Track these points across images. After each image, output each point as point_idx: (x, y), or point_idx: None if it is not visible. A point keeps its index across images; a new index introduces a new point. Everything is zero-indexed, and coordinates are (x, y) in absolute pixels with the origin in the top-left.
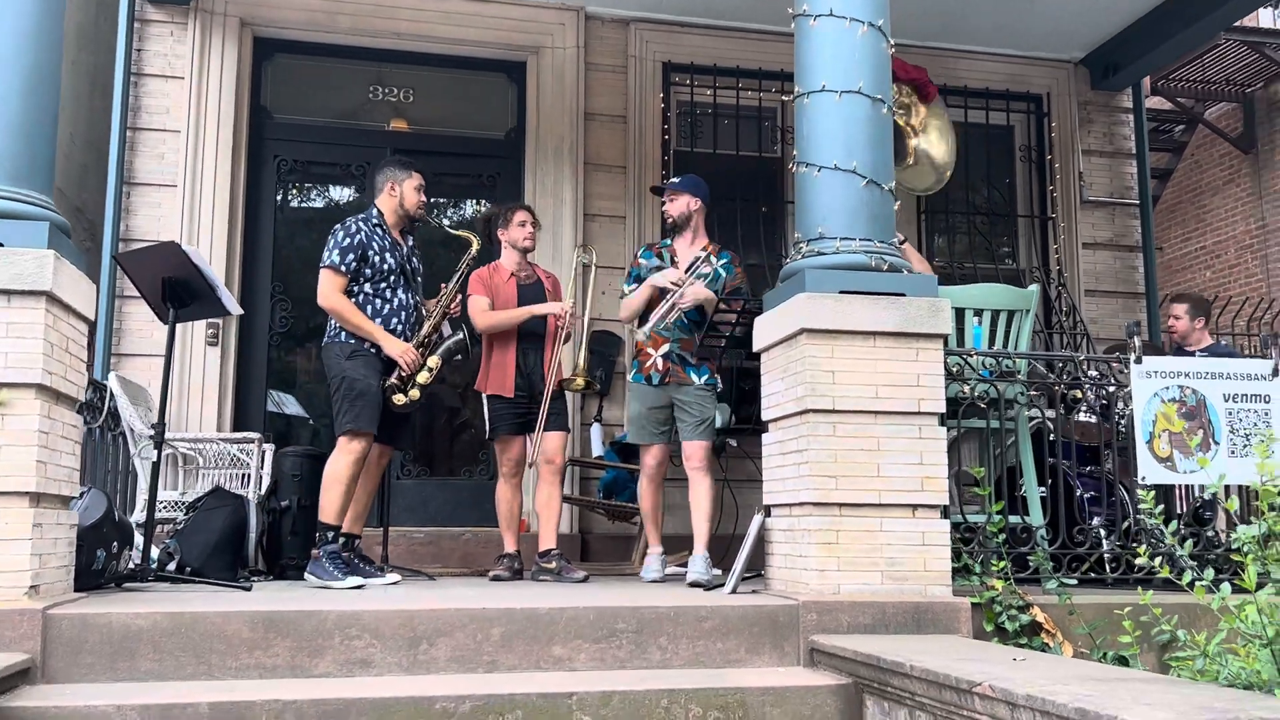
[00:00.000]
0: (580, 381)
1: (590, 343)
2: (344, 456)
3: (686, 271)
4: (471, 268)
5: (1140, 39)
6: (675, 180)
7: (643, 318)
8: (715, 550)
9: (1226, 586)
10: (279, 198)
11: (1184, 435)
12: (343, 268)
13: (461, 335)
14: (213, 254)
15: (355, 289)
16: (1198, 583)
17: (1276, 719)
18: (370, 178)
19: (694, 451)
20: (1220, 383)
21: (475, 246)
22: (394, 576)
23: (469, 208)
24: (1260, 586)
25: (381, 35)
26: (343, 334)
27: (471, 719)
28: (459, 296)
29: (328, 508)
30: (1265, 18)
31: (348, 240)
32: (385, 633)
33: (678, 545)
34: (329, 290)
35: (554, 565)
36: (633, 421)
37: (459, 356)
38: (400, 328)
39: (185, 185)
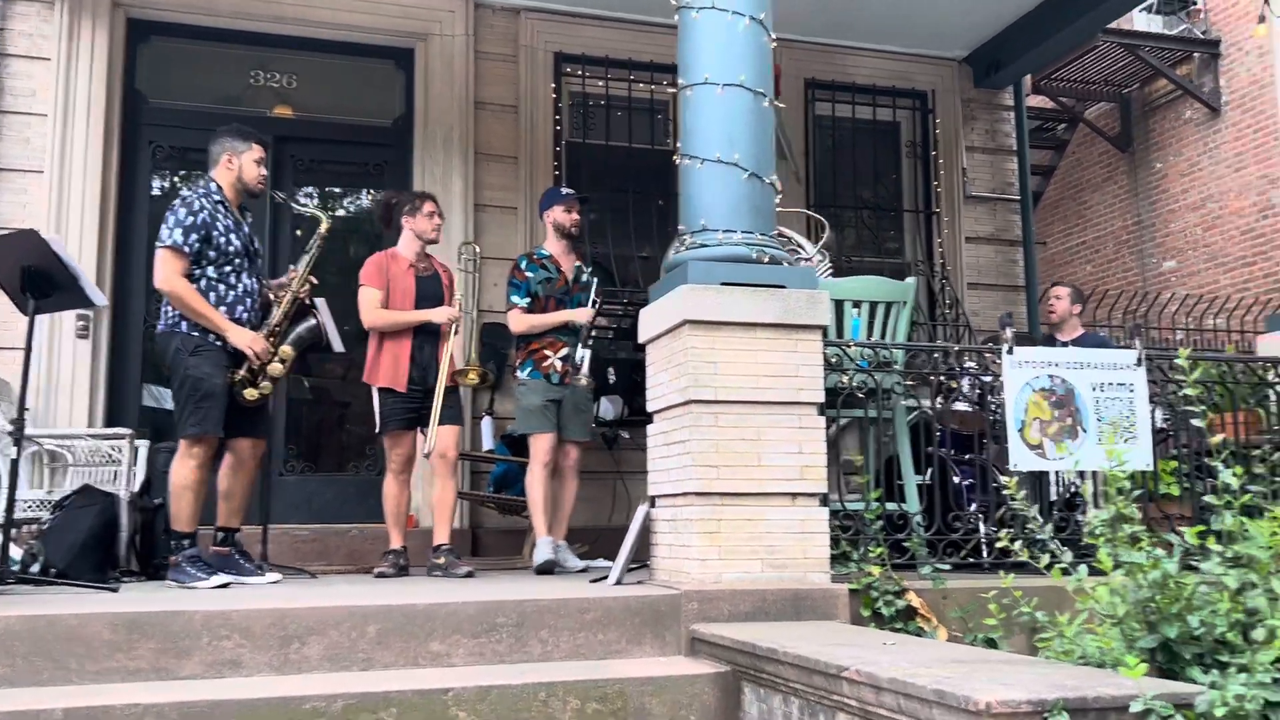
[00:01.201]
0: (474, 375)
1: (482, 335)
2: (187, 462)
3: (574, 283)
4: (323, 249)
5: (1020, 39)
6: (574, 192)
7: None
8: (608, 542)
9: (1084, 569)
10: (155, 185)
11: (1054, 423)
12: (185, 248)
13: (314, 322)
14: (83, 243)
15: (197, 273)
16: (1056, 566)
17: (1119, 694)
18: (207, 148)
19: (574, 452)
20: (1088, 372)
21: (325, 225)
22: (274, 576)
23: (355, 197)
24: (1116, 568)
25: (264, 19)
26: (184, 323)
27: (344, 718)
28: (309, 281)
29: (179, 515)
30: (1140, 21)
31: (190, 218)
32: (256, 632)
33: (582, 537)
34: (169, 273)
35: (443, 561)
36: (530, 413)
37: (321, 346)
38: (246, 315)
39: (53, 171)
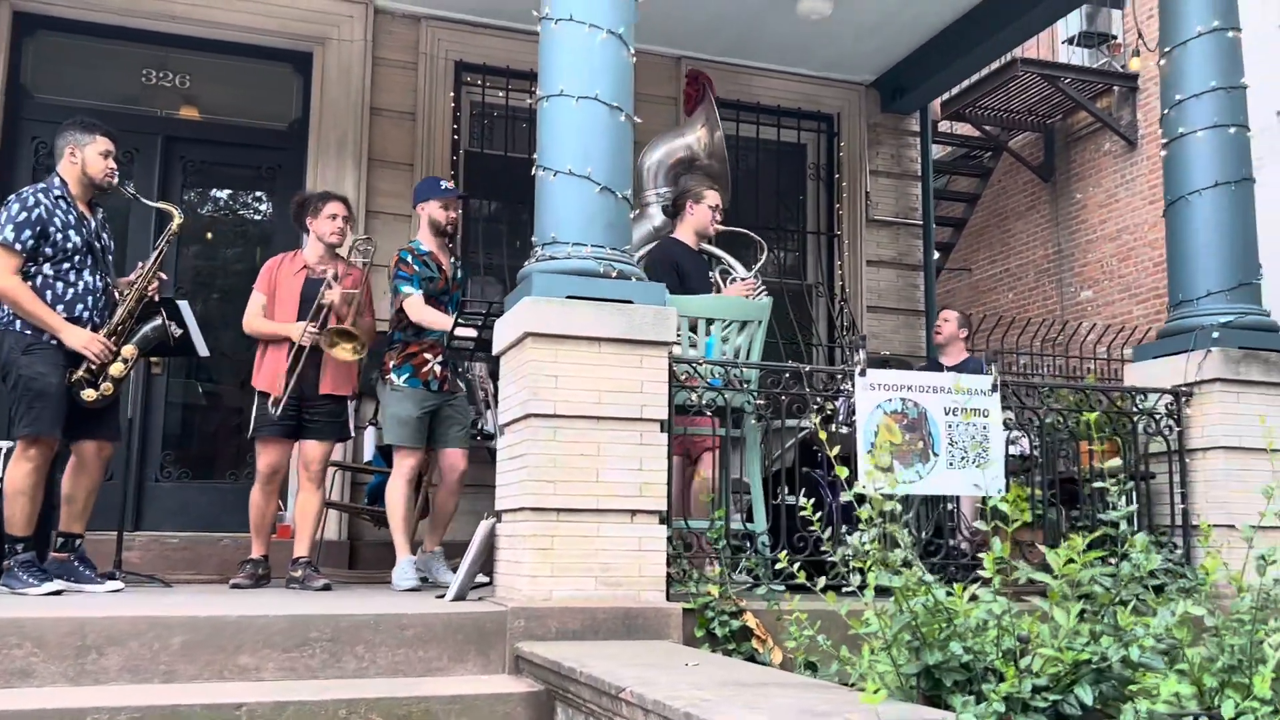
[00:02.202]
0: (348, 348)
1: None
2: (21, 464)
3: (453, 281)
4: (177, 245)
5: (925, 64)
6: (454, 188)
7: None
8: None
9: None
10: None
11: (904, 446)
12: (16, 245)
13: (160, 321)
14: None
15: (33, 269)
16: (829, 589)
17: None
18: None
19: (458, 462)
20: (941, 396)
21: (177, 221)
22: (115, 584)
23: (246, 200)
24: (879, 593)
25: (158, 17)
26: (17, 322)
27: None
28: (158, 278)
29: (14, 520)
30: (1064, 53)
31: (23, 214)
32: (50, 641)
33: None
34: (0, 271)
35: (300, 573)
36: (402, 423)
37: (171, 347)
38: (87, 314)
39: None
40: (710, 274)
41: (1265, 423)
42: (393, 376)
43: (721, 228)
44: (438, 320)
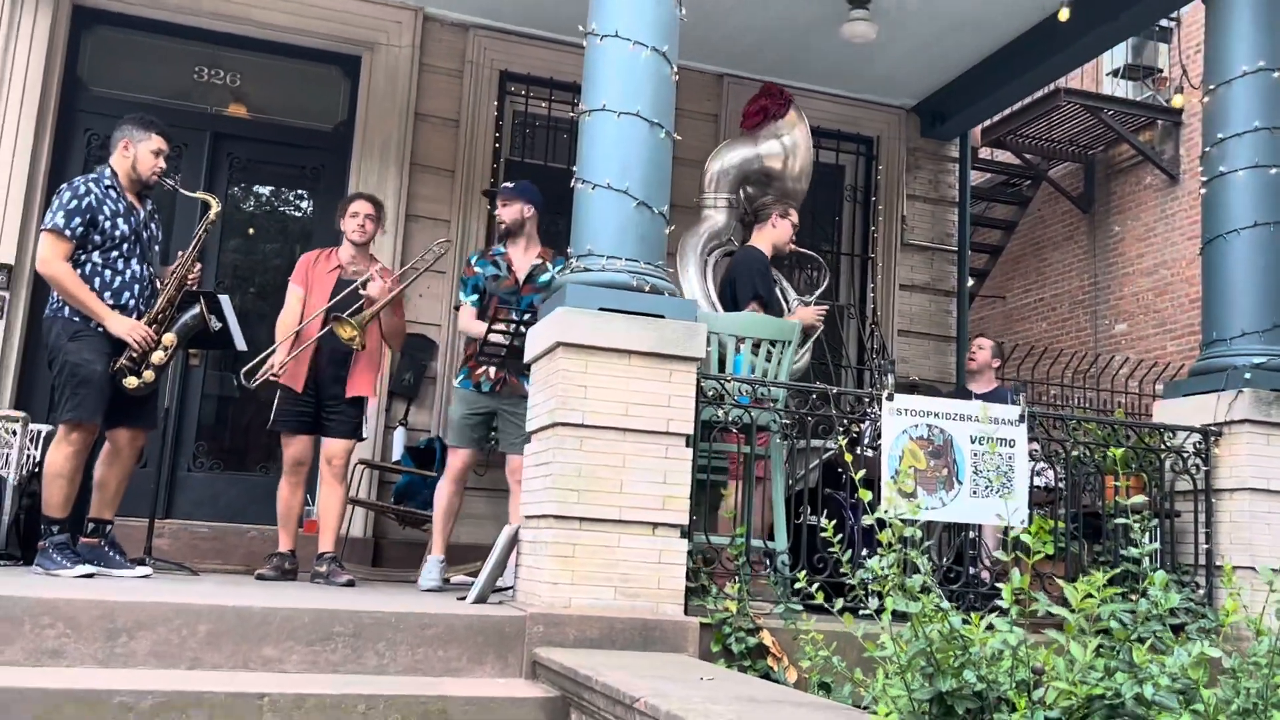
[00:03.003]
0: (349, 330)
1: (404, 346)
2: (63, 448)
3: (525, 281)
4: (215, 236)
5: (967, 91)
6: (509, 185)
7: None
8: None
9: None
10: (87, 172)
11: (929, 473)
12: (67, 232)
13: (199, 309)
14: (5, 224)
15: (83, 257)
16: (846, 611)
17: None
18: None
19: (518, 464)
20: (968, 424)
21: (214, 209)
22: (145, 570)
23: (289, 198)
24: (896, 617)
25: (212, 16)
26: (66, 308)
27: (151, 715)
28: (198, 266)
29: (50, 501)
30: (1108, 85)
31: (75, 202)
32: (82, 623)
33: (471, 555)
34: (50, 256)
35: (324, 569)
36: (450, 423)
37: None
38: (133, 302)
39: None
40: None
41: None
42: (455, 378)
43: (793, 247)
44: (476, 329)
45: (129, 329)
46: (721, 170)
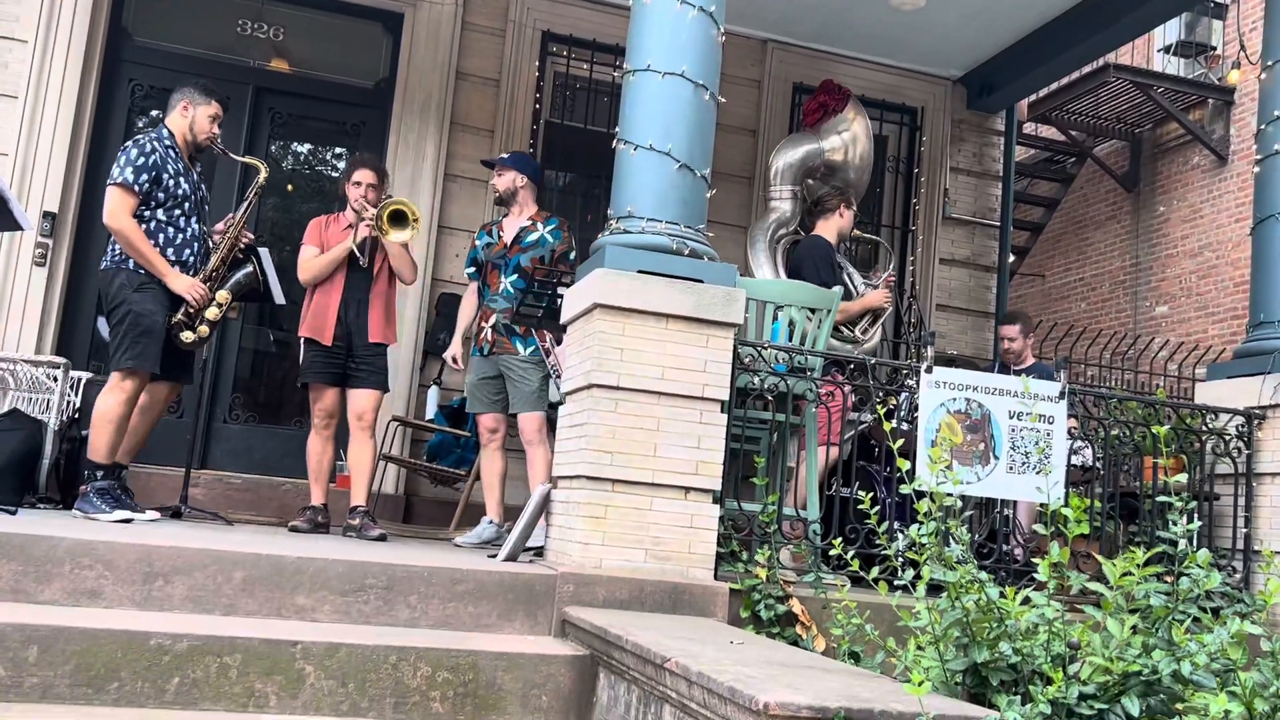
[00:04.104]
0: (389, 229)
1: (437, 305)
2: (116, 394)
3: (513, 243)
4: (262, 197)
5: (1015, 63)
6: (504, 155)
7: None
8: None
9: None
10: (130, 122)
11: (965, 447)
12: (135, 187)
13: (251, 268)
14: (50, 173)
15: (147, 214)
16: (881, 581)
17: (905, 710)
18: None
19: (523, 424)
20: (1007, 399)
21: (263, 174)
22: (153, 514)
23: (328, 155)
24: (932, 589)
25: None
26: (130, 261)
27: (187, 658)
28: (247, 227)
29: (97, 446)
30: (1159, 61)
31: (142, 159)
32: (120, 565)
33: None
34: (118, 210)
35: (357, 522)
36: (467, 390)
37: (260, 294)
38: (193, 259)
39: (27, 98)
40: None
41: None
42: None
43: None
44: (463, 317)
45: (188, 286)
46: (786, 165)
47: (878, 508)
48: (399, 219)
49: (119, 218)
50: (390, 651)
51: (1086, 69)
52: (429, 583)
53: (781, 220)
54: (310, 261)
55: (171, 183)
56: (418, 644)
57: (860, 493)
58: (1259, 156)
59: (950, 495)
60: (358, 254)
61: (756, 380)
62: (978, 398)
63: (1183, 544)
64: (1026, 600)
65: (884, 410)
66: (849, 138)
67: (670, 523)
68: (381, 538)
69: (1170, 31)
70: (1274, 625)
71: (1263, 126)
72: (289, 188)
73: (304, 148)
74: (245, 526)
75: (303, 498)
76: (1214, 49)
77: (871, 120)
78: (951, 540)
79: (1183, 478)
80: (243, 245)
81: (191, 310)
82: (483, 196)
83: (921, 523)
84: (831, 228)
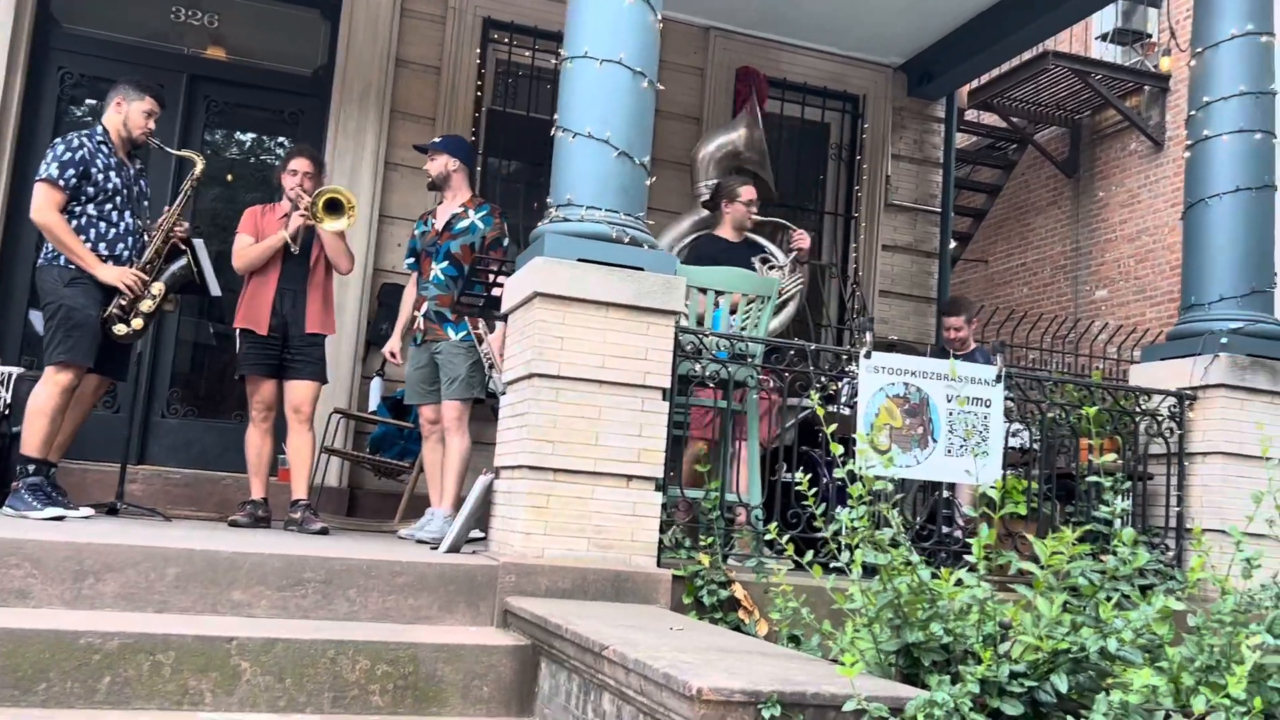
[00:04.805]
0: (324, 218)
1: (380, 295)
2: (50, 388)
3: (444, 229)
4: (199, 188)
5: (955, 50)
6: (435, 140)
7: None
8: None
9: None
10: (61, 111)
11: (904, 430)
12: (60, 182)
13: (186, 260)
14: None
15: (77, 209)
16: (816, 564)
17: (838, 692)
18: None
19: (444, 411)
20: (945, 383)
21: (200, 167)
22: (86, 510)
23: (267, 144)
24: (866, 571)
25: None
26: (61, 257)
27: (119, 656)
28: (183, 220)
29: (30, 440)
30: (1097, 49)
31: (68, 154)
32: (49, 564)
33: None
34: (44, 205)
35: (298, 516)
36: (406, 381)
37: (196, 286)
38: (127, 253)
39: None
40: (753, 260)
41: (1264, 430)
42: None
43: (759, 218)
44: (404, 312)
45: (118, 275)
46: (704, 158)
47: (815, 491)
48: (334, 207)
49: (45, 213)
50: (328, 645)
51: (1026, 56)
52: (368, 576)
53: (701, 220)
54: (245, 250)
55: (101, 177)
56: (357, 637)
57: (798, 476)
58: (1190, 142)
59: (881, 478)
60: (291, 244)
61: (698, 367)
62: (916, 382)
63: (1117, 523)
64: (959, 582)
65: (824, 395)
66: (745, 120)
67: (613, 511)
68: (323, 531)
69: (1107, 19)
70: (1204, 601)
71: (1193, 113)
72: (229, 178)
73: (241, 137)
74: (184, 522)
75: (244, 492)
76: (1150, 36)
77: (814, 108)
78: (884, 523)
79: (1113, 458)
80: (178, 237)
81: (125, 303)
82: (424, 184)
83: (852, 507)
84: (726, 223)
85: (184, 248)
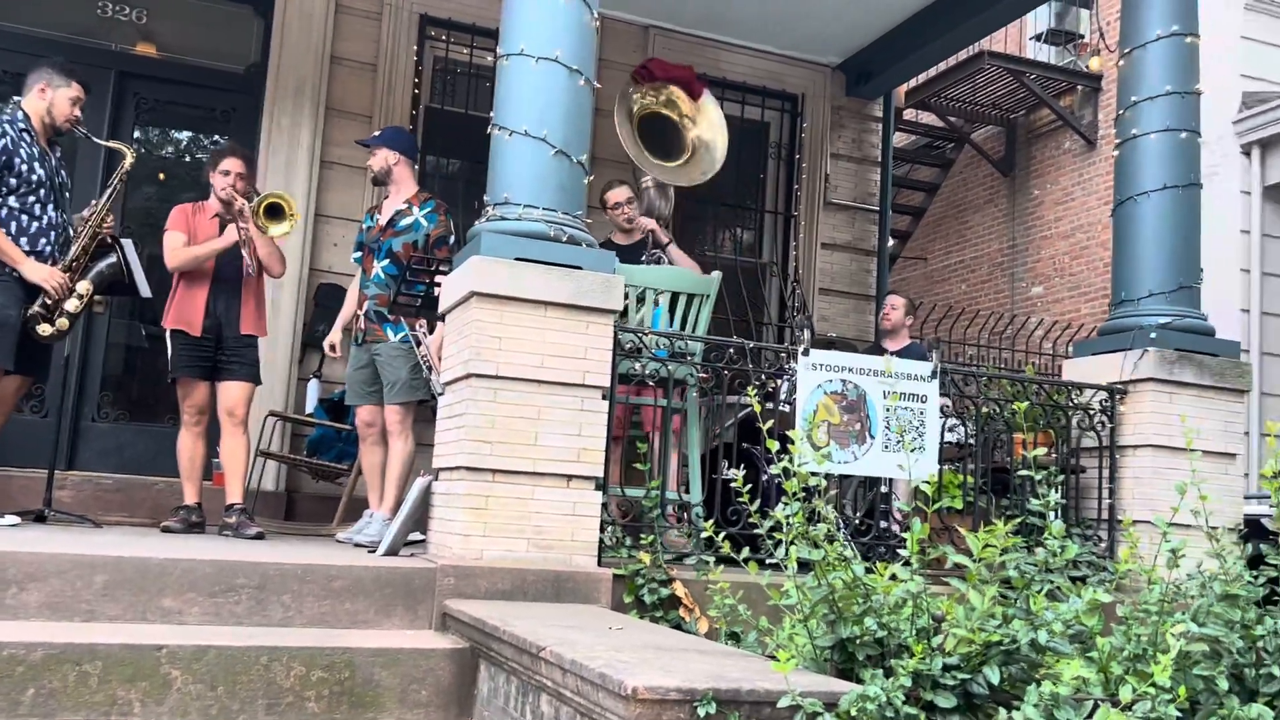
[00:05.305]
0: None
1: (316, 295)
2: None
3: (387, 226)
4: (127, 184)
5: (892, 49)
6: (375, 134)
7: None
8: None
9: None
10: None
11: (842, 427)
12: None
13: (115, 258)
14: None
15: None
16: (752, 561)
17: (773, 689)
18: (25, 76)
19: (387, 415)
20: (882, 380)
21: (129, 160)
22: (12, 519)
23: (200, 142)
24: (802, 568)
25: None
26: None
27: (44, 667)
28: (111, 216)
29: None
30: (1031, 49)
31: None
32: None
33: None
34: None
35: (233, 520)
36: (345, 381)
37: (125, 286)
38: (50, 249)
39: None
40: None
41: (1186, 422)
42: None
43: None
44: (348, 306)
45: (45, 275)
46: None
47: (749, 487)
48: (276, 212)
49: None
50: (262, 652)
51: (962, 56)
52: (303, 581)
53: None
54: (181, 250)
55: (25, 168)
56: (291, 643)
57: (734, 472)
58: (1119, 140)
59: (816, 475)
60: (243, 248)
61: (638, 366)
62: (854, 379)
63: (1052, 516)
64: (894, 577)
65: (764, 393)
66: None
67: (553, 511)
68: (259, 536)
69: (1041, 20)
70: (1134, 591)
71: (1121, 112)
72: (160, 176)
73: (173, 135)
74: (115, 529)
75: (177, 497)
76: (1082, 37)
77: (754, 106)
78: (818, 519)
79: (1045, 451)
80: (107, 234)
81: (49, 302)
82: (361, 183)
83: (787, 503)
84: (614, 228)
85: (113, 245)
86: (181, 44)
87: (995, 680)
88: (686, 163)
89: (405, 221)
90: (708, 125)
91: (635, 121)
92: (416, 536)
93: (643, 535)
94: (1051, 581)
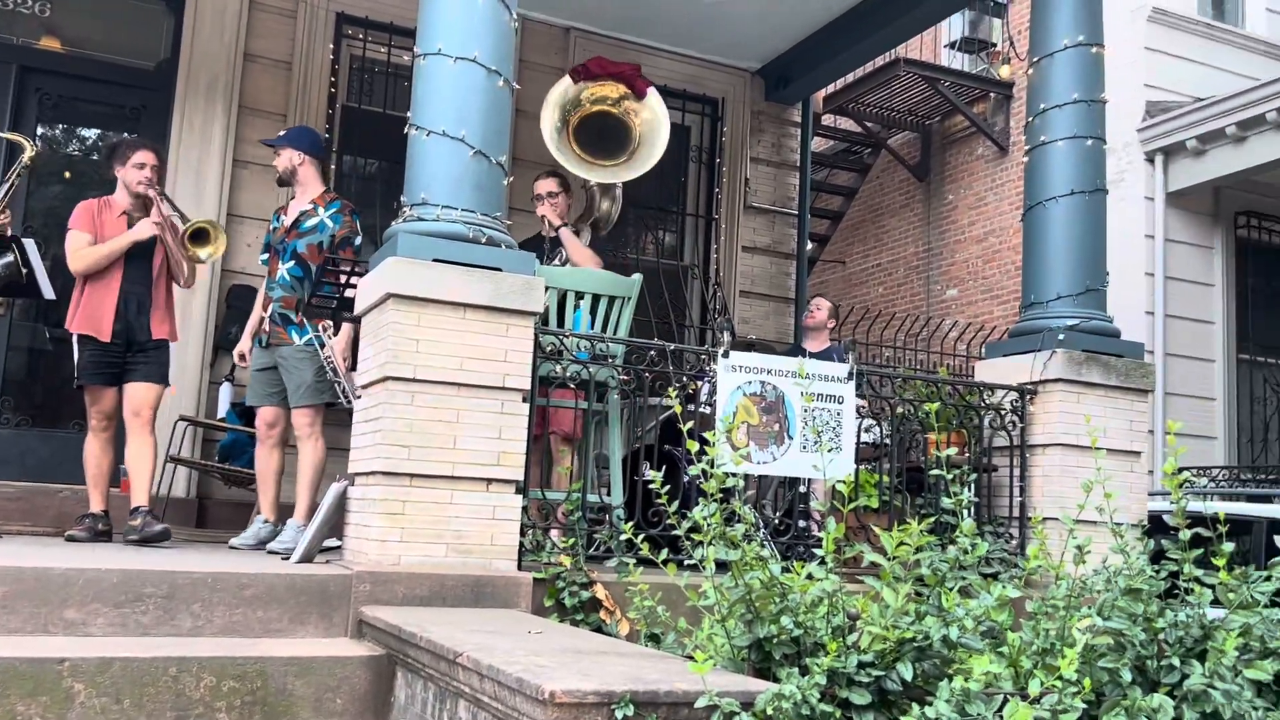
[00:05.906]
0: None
1: (228, 297)
2: None
3: (292, 227)
4: (26, 179)
5: (810, 55)
6: (281, 134)
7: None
8: None
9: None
10: None
11: (761, 428)
12: None
13: (12, 258)
14: None
15: None
16: (671, 562)
17: (690, 689)
18: None
19: (294, 419)
20: (799, 381)
21: (29, 153)
22: None
23: (108, 139)
24: (719, 567)
25: None
26: None
27: None
28: (8, 212)
29: None
30: (945, 57)
31: None
32: None
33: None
34: None
35: (138, 522)
36: (248, 383)
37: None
38: None
39: None
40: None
41: (1092, 422)
42: None
43: None
44: (257, 301)
45: None
46: None
47: (668, 488)
48: (201, 236)
49: None
50: (170, 663)
51: (879, 63)
52: (213, 589)
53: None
54: (86, 251)
55: None
56: (201, 653)
57: (653, 474)
58: (1029, 147)
59: (733, 475)
60: (173, 249)
61: (559, 369)
62: (772, 380)
63: (965, 514)
64: (810, 576)
65: (685, 394)
66: None
67: (472, 515)
68: (164, 533)
69: (955, 28)
70: (1044, 587)
71: (1030, 119)
72: (66, 175)
73: (79, 132)
74: (16, 538)
75: (83, 505)
76: (995, 45)
77: (675, 110)
78: (737, 519)
79: (955, 451)
80: (2, 232)
81: None
82: (275, 182)
83: (704, 504)
84: None
85: (10, 244)
86: (88, 39)
87: (909, 677)
88: (625, 162)
89: (310, 223)
90: (651, 123)
91: (571, 125)
92: (333, 543)
93: (563, 538)
94: (964, 579)
